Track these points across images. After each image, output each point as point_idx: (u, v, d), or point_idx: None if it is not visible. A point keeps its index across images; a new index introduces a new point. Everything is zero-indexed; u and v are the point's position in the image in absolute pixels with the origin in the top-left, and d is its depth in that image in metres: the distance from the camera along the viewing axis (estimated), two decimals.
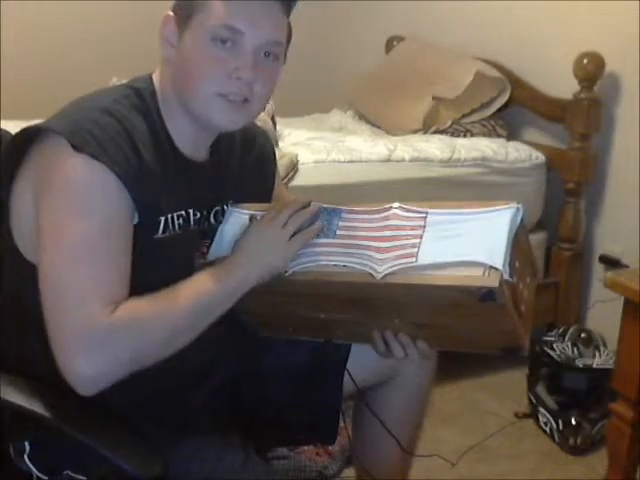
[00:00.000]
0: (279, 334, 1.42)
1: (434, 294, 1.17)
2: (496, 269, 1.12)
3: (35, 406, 1.12)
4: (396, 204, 1.25)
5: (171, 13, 1.22)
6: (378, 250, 1.21)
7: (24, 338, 1.23)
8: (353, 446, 1.70)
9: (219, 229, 1.31)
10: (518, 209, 1.18)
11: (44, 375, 1.14)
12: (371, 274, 1.19)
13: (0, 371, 1.17)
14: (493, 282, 1.11)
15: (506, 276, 1.13)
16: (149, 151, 1.18)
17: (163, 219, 1.21)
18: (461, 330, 1.25)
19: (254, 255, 1.22)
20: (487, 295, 1.12)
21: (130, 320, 1.12)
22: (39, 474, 1.22)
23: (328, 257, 1.24)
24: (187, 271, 1.24)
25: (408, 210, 1.24)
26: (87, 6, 3.54)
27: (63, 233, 1.12)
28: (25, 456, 1.22)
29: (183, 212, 1.25)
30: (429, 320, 1.25)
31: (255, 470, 1.25)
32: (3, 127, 1.35)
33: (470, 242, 1.16)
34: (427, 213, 1.21)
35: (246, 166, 1.40)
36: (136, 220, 1.17)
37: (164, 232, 1.21)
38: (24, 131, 1.18)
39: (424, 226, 1.20)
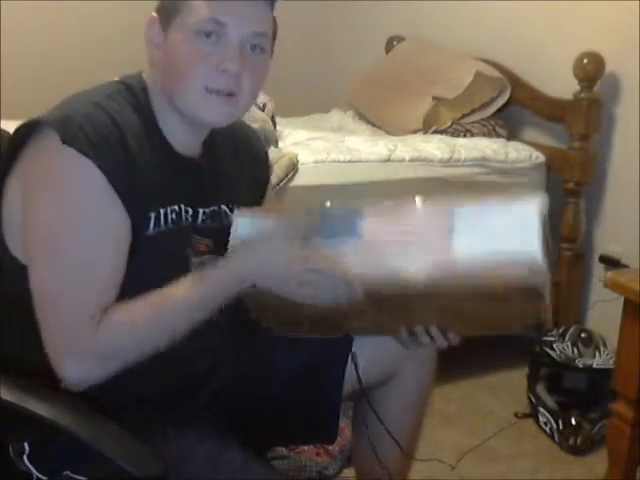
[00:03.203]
0: (291, 332, 1.37)
1: (477, 295, 1.17)
2: (539, 264, 1.14)
3: (35, 406, 1.11)
4: (418, 200, 1.23)
5: (155, 14, 1.23)
6: (409, 246, 1.19)
7: (20, 337, 1.23)
8: (352, 446, 1.71)
9: (231, 240, 1.26)
10: (543, 199, 1.19)
11: (42, 374, 1.14)
12: (407, 278, 1.17)
13: None
14: (539, 280, 1.15)
15: (545, 269, 1.14)
16: (141, 146, 1.19)
17: (154, 214, 1.20)
18: (495, 316, 1.25)
19: (262, 267, 1.20)
20: (533, 295, 1.16)
21: (123, 331, 1.16)
22: (39, 475, 1.22)
23: (357, 259, 1.19)
24: (182, 268, 1.25)
25: (432, 205, 1.22)
26: (87, 6, 3.54)
27: (57, 244, 1.15)
28: (25, 457, 1.22)
29: (176, 207, 1.24)
30: (463, 312, 1.25)
31: (255, 470, 1.25)
32: (3, 127, 1.35)
33: (504, 234, 1.16)
34: (453, 207, 1.20)
35: (240, 167, 1.40)
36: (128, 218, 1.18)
37: (155, 228, 1.21)
38: (22, 127, 1.18)
39: (452, 219, 1.19)
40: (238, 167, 1.39)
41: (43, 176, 1.16)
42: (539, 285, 1.15)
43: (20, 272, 1.17)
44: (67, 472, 1.20)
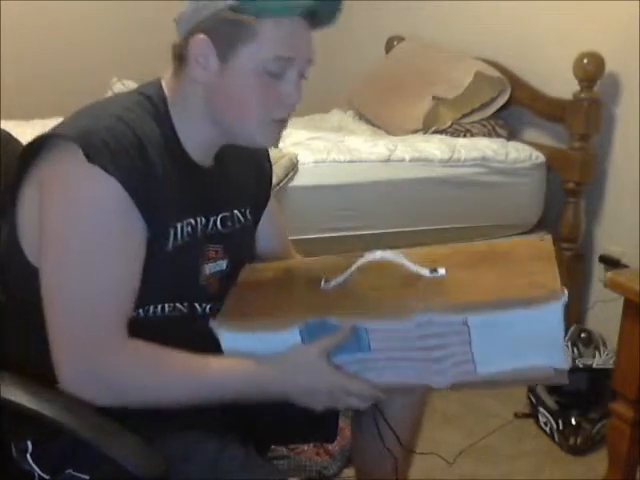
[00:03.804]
0: None
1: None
2: (563, 369, 1.16)
3: (37, 406, 1.12)
4: (422, 308, 1.15)
5: (203, 35, 1.19)
6: (429, 360, 1.17)
7: (26, 338, 1.24)
8: (352, 446, 1.71)
9: (224, 349, 1.23)
10: (564, 293, 1.12)
11: (46, 375, 1.14)
12: (432, 385, 1.19)
13: (2, 371, 1.17)
14: (562, 381, 1.17)
15: (568, 367, 1.17)
16: (160, 157, 1.19)
17: (172, 230, 1.21)
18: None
19: (304, 393, 1.22)
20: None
21: (143, 370, 1.16)
22: (41, 473, 1.22)
23: (377, 373, 1.20)
24: (193, 280, 1.27)
25: (441, 314, 1.14)
26: (87, 6, 3.54)
27: (70, 251, 1.14)
28: (27, 455, 1.22)
29: (192, 220, 1.25)
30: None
31: (255, 469, 1.25)
32: (3, 127, 1.35)
33: (526, 346, 1.14)
34: (466, 316, 1.13)
35: (247, 169, 1.41)
36: (148, 235, 1.18)
37: (174, 243, 1.22)
38: (38, 139, 1.18)
39: (468, 330, 1.14)
40: (245, 170, 1.40)
41: (62, 187, 1.15)
42: (562, 381, 1.17)
43: (31, 276, 1.17)
44: (70, 470, 1.20)
